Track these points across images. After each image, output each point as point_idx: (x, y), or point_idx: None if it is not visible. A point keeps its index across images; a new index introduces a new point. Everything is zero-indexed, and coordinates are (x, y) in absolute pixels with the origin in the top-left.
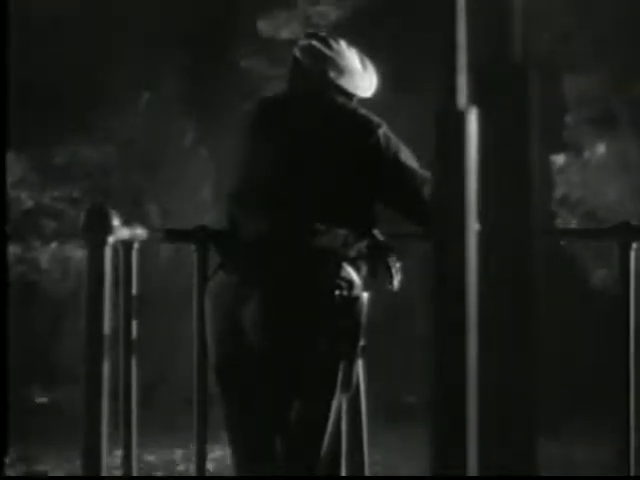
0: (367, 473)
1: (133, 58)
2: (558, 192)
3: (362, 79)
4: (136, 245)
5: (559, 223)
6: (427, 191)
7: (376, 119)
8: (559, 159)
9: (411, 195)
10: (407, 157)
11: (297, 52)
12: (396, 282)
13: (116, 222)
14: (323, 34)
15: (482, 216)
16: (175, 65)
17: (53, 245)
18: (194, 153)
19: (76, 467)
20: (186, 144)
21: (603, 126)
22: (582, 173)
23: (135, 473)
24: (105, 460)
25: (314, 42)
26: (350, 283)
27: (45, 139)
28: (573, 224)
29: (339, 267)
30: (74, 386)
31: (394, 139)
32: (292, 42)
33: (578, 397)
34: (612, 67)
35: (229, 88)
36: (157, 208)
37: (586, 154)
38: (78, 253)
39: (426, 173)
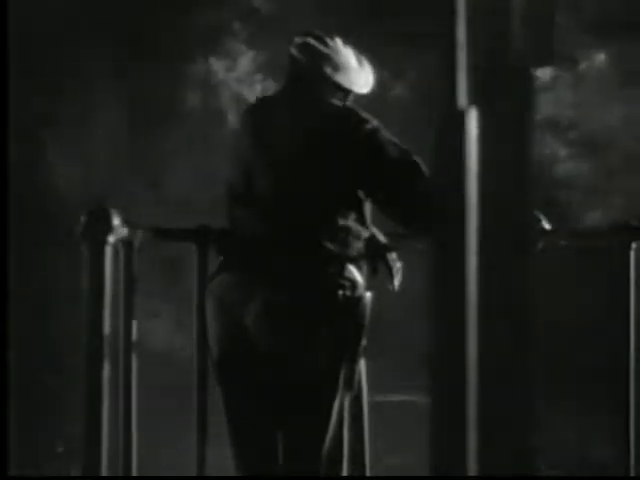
0: (368, 473)
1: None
2: (545, 113)
3: (358, 76)
4: (136, 245)
5: (546, 153)
6: (417, 193)
7: (371, 118)
8: (546, 73)
9: (395, 197)
10: (397, 155)
11: (293, 50)
12: (396, 282)
13: (116, 222)
14: (319, 33)
15: (482, 216)
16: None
17: None
18: None
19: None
20: None
21: (603, 32)
22: (575, 90)
23: (135, 473)
24: (105, 460)
25: (310, 39)
26: (353, 283)
27: None
28: (563, 153)
29: (342, 267)
30: None
31: (385, 137)
32: None
33: None
34: None
35: None
36: None
37: (581, 66)
38: None
39: (421, 174)
